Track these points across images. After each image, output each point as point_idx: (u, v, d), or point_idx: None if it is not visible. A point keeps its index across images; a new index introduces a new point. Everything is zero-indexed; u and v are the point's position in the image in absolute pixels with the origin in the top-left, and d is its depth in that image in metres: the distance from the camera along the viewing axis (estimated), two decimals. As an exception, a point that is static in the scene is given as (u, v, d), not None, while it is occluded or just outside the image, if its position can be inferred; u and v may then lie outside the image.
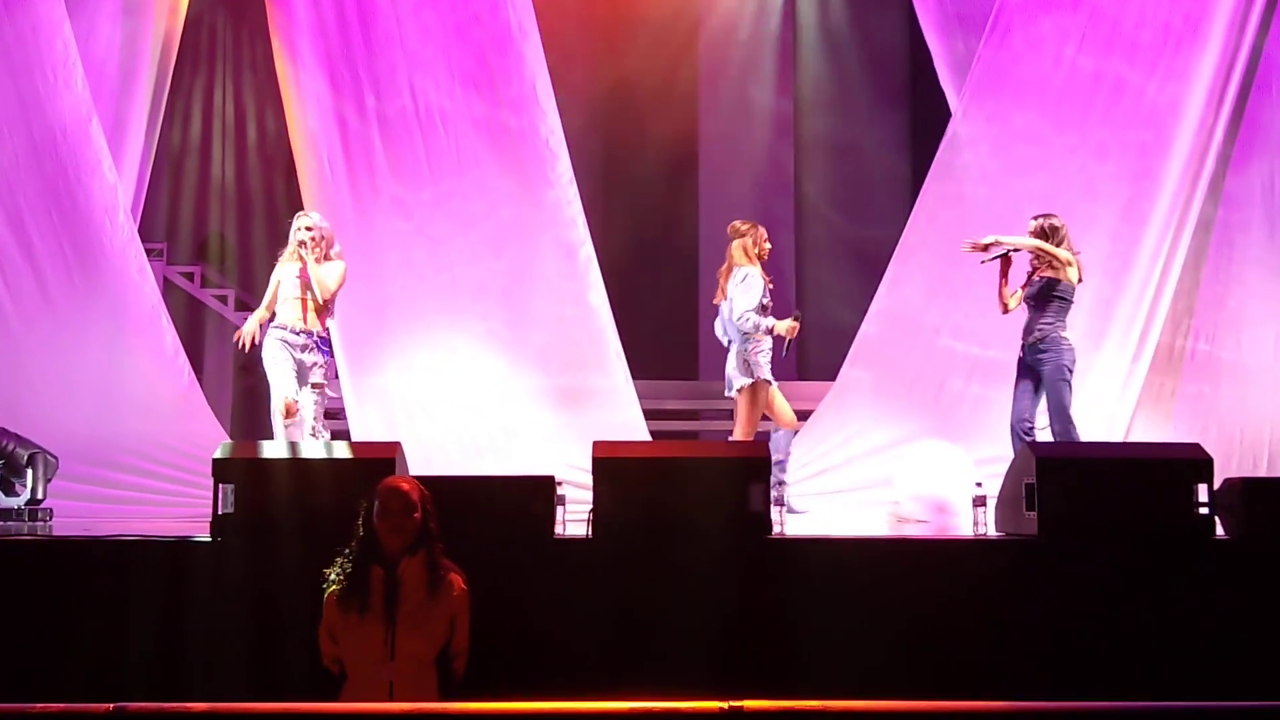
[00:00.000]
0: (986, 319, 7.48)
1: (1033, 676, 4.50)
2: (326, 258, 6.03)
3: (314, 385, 5.94)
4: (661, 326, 10.36)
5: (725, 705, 2.57)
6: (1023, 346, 6.05)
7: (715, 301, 6.48)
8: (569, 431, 6.95)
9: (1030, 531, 4.86)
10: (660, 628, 4.48)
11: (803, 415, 8.00)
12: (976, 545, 5.18)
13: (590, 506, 4.79)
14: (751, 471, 4.81)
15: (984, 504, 5.38)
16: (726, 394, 6.45)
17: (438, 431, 7.03)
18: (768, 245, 6.35)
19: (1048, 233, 6.07)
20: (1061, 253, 5.94)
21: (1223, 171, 7.42)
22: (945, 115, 8.17)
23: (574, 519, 5.12)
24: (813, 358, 10.71)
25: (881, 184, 10.76)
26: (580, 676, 4.24)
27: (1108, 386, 7.14)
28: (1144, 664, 4.59)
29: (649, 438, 7.30)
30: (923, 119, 10.12)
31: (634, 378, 7.63)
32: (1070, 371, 5.93)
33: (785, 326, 6.19)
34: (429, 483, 3.89)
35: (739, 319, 6.14)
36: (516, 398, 7.21)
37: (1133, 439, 7.02)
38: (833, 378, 7.89)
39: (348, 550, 3.66)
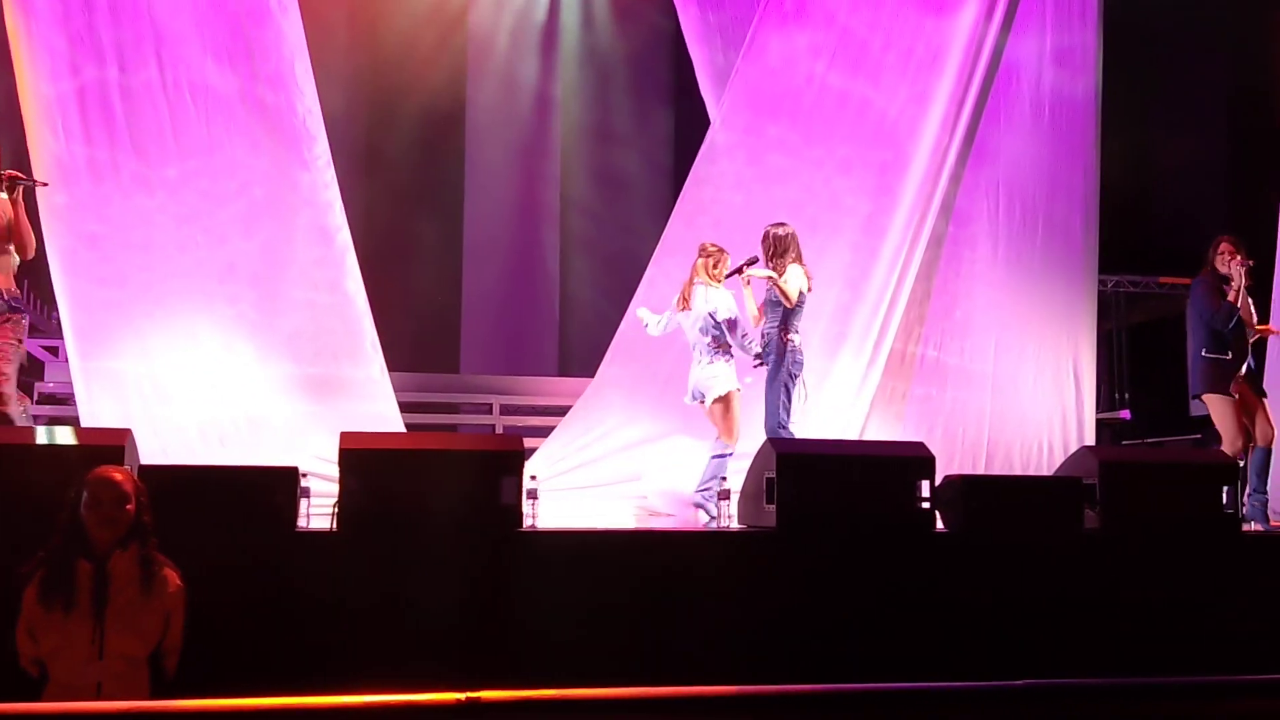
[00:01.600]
0: (738, 321, 7.76)
1: (771, 661, 4.70)
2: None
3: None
4: (423, 319, 10.23)
5: (463, 696, 2.55)
6: None
7: (678, 311, 6.76)
8: (319, 423, 6.72)
9: (769, 524, 5.08)
10: (403, 621, 4.42)
11: (561, 411, 8.08)
12: (719, 537, 5.38)
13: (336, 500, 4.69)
14: (503, 464, 4.82)
15: (728, 497, 5.58)
16: (688, 401, 6.69)
17: (177, 419, 6.66)
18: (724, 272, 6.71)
19: (773, 242, 6.46)
20: (786, 281, 6.31)
21: (954, 191, 7.94)
22: (707, 123, 8.40)
23: (321, 512, 5.00)
24: (574, 354, 10.83)
25: (645, 186, 11.01)
26: (320, 671, 4.13)
27: (845, 388, 7.52)
28: (871, 647, 4.88)
29: (404, 431, 7.17)
30: (686, 126, 10.41)
31: (392, 370, 7.47)
32: (792, 376, 6.30)
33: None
34: (165, 473, 3.73)
35: (750, 342, 6.57)
36: (264, 386, 6.91)
37: (867, 438, 7.42)
38: (592, 374, 7.98)
39: (51, 543, 3.46)
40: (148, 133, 6.89)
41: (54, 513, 3.66)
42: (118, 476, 3.53)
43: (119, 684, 3.37)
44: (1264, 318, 7.35)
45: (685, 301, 6.66)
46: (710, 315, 6.50)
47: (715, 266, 6.63)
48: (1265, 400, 6.60)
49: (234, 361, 6.78)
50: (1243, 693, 3.01)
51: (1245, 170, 11.16)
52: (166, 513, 3.69)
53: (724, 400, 6.44)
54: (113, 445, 4.51)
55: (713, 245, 6.77)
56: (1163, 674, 3.22)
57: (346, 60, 9.92)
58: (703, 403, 6.52)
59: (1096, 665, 4.77)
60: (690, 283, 6.68)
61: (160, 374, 6.73)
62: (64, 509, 3.49)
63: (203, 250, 6.87)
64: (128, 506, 3.49)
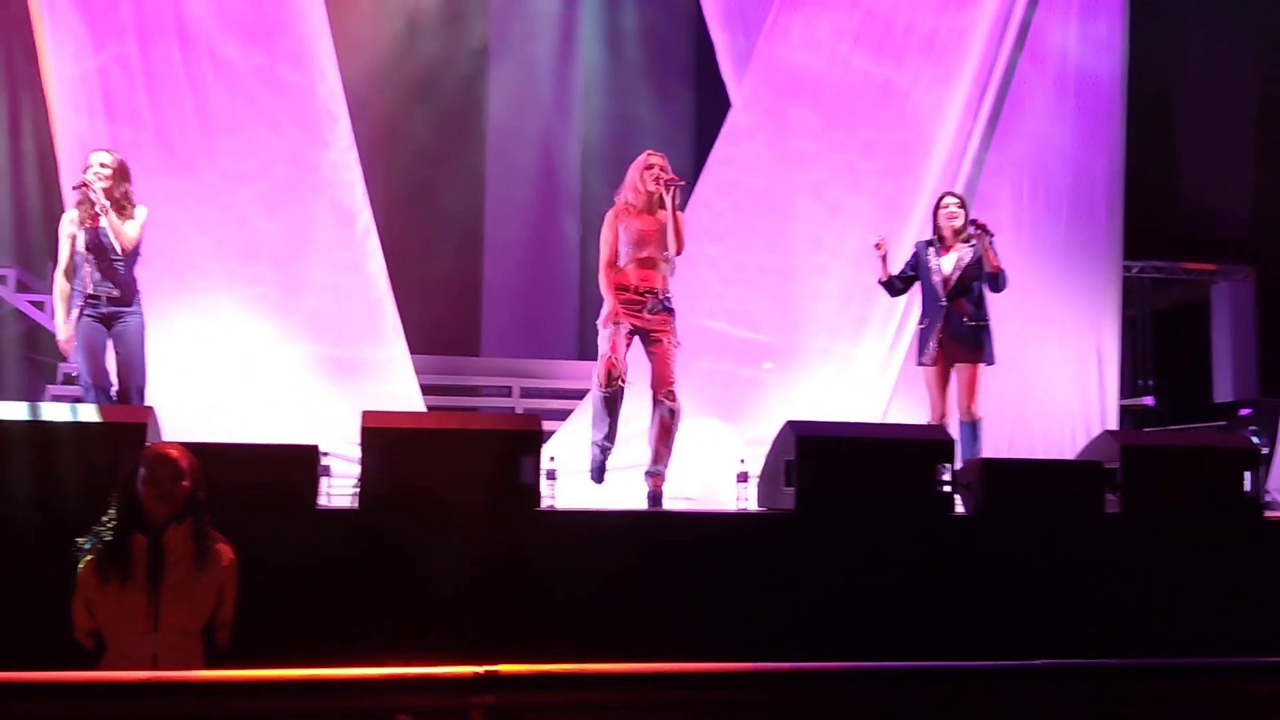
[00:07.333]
0: (758, 304, 7.76)
1: (787, 641, 4.70)
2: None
3: None
4: (444, 302, 10.24)
5: (481, 670, 2.58)
6: None
7: None
8: (341, 404, 6.75)
9: (788, 506, 5.08)
10: (423, 597, 4.45)
11: (581, 394, 8.07)
12: (738, 519, 5.38)
13: (357, 478, 4.71)
14: (522, 444, 4.83)
15: (746, 479, 5.58)
16: None
17: (199, 399, 6.70)
18: None
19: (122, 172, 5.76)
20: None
21: (977, 175, 7.89)
22: (727, 106, 8.36)
23: (342, 493, 5.02)
24: (594, 337, 10.81)
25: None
26: (342, 646, 4.17)
27: (868, 371, 7.50)
28: (889, 629, 4.87)
29: (425, 411, 7.19)
30: (706, 109, 10.37)
31: (413, 352, 7.50)
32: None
33: None
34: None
35: None
36: (286, 367, 6.95)
37: (889, 421, 7.40)
38: (613, 358, 7.96)
39: (105, 518, 3.50)
40: (170, 110, 6.91)
41: (82, 487, 3.70)
42: (174, 453, 3.57)
43: (175, 655, 3.42)
44: None
45: None
46: None
47: None
48: None
49: (256, 342, 6.82)
50: (1259, 674, 3.01)
51: (1272, 155, 11.05)
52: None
53: None
54: (135, 423, 4.55)
55: None
56: (1180, 656, 3.22)
57: (369, 42, 9.93)
58: None
59: (1114, 647, 4.74)
60: None
61: (182, 353, 6.77)
62: (119, 484, 3.52)
63: (225, 229, 6.91)
64: (184, 482, 3.52)
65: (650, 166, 5.90)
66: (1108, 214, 8.53)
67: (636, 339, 5.88)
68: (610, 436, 5.86)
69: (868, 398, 7.40)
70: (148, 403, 5.94)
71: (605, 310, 5.85)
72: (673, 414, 5.79)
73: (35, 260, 8.11)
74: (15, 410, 4.73)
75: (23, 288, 8.56)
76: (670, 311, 5.87)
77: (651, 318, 5.80)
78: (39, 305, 8.05)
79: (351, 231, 7.23)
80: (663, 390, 5.78)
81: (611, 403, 5.81)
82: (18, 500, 4.32)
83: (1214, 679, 3.00)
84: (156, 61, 6.89)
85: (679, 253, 5.87)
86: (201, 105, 6.96)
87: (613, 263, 5.86)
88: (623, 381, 5.78)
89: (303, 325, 7.01)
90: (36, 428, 4.56)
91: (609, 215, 5.91)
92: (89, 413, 4.88)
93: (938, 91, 7.79)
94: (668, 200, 5.79)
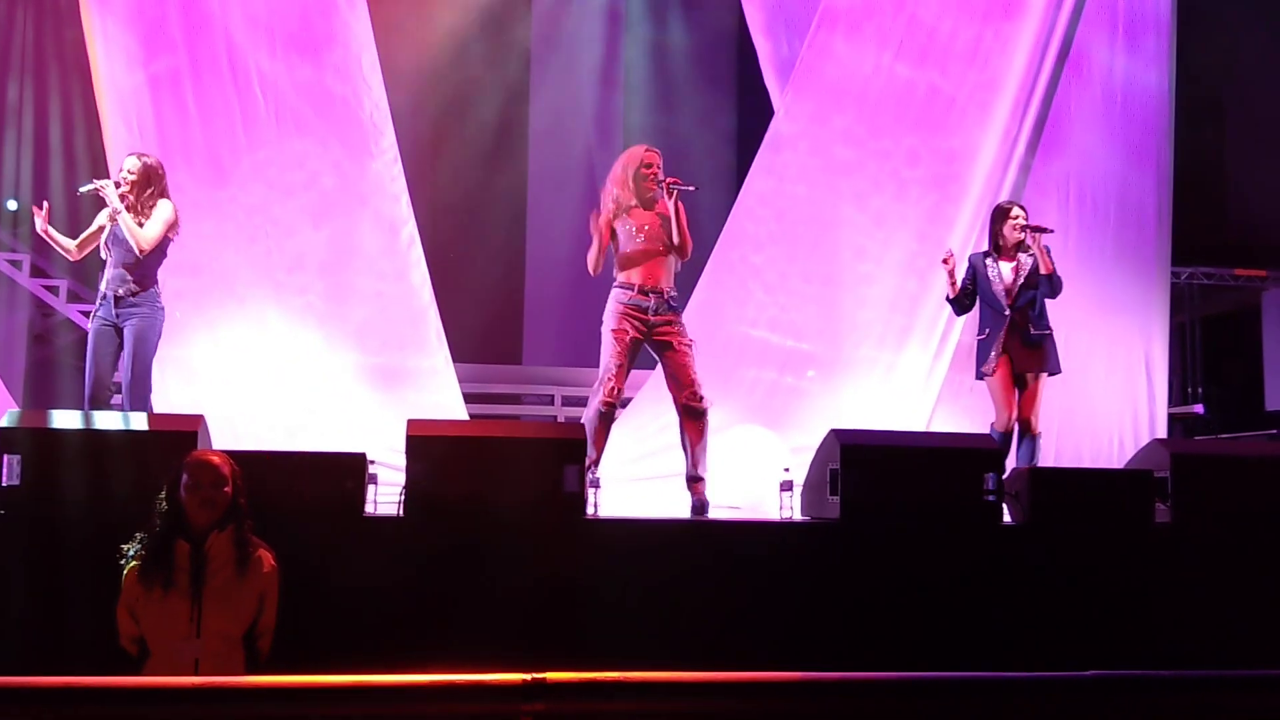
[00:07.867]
0: (801, 313, 7.73)
1: (834, 650, 4.68)
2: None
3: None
4: (486, 311, 10.31)
5: (529, 677, 2.58)
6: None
7: None
8: (386, 412, 6.80)
9: (833, 515, 5.05)
10: (470, 604, 4.47)
11: (623, 403, 8.08)
12: (782, 528, 5.35)
13: (403, 486, 4.75)
14: (567, 452, 4.84)
15: (790, 489, 5.55)
16: None
17: (246, 408, 6.78)
18: None
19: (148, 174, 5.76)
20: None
21: (1023, 181, 7.82)
22: (770, 117, 8.35)
23: (387, 500, 5.06)
24: (635, 347, 10.84)
25: (708, 180, 10.98)
26: (388, 653, 4.19)
27: (912, 380, 7.44)
28: (935, 639, 4.84)
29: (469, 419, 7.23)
30: (750, 121, 10.37)
31: (456, 360, 7.55)
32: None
33: None
34: (235, 458, 3.79)
35: None
36: (332, 375, 7.02)
37: (933, 430, 7.34)
38: (653, 365, 7.97)
39: (150, 524, 3.55)
40: (217, 122, 7.01)
41: (132, 494, 3.75)
42: (215, 459, 3.61)
43: (216, 661, 3.46)
44: None
45: None
46: None
47: None
48: None
49: (302, 351, 6.89)
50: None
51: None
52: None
53: None
54: (186, 431, 4.61)
55: None
56: (1231, 668, 3.16)
57: (412, 56, 10.02)
58: None
59: (1164, 658, 4.68)
60: None
61: (230, 363, 6.86)
62: (163, 491, 3.57)
63: (272, 240, 6.99)
64: (225, 489, 3.56)
65: (649, 165, 5.69)
66: (1157, 222, 8.43)
67: (646, 348, 5.71)
68: (596, 462, 5.51)
69: (912, 407, 7.34)
70: (199, 410, 6.02)
71: (609, 309, 5.69)
72: (703, 415, 5.63)
73: (88, 271, 8.25)
74: (67, 419, 4.81)
75: (74, 298, 8.72)
76: (676, 311, 5.69)
77: (656, 320, 5.63)
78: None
79: (396, 241, 7.30)
80: (686, 394, 5.62)
81: (606, 420, 5.61)
82: (69, 507, 4.39)
83: (1266, 691, 2.94)
84: (205, 74, 6.99)
85: (685, 256, 5.70)
86: (249, 118, 7.05)
87: (604, 249, 5.69)
88: (619, 400, 5.59)
89: (348, 334, 7.08)
90: (88, 436, 4.64)
91: (602, 219, 5.70)
92: (139, 421, 4.95)
93: (982, 98, 7.73)
94: (670, 204, 5.59)
